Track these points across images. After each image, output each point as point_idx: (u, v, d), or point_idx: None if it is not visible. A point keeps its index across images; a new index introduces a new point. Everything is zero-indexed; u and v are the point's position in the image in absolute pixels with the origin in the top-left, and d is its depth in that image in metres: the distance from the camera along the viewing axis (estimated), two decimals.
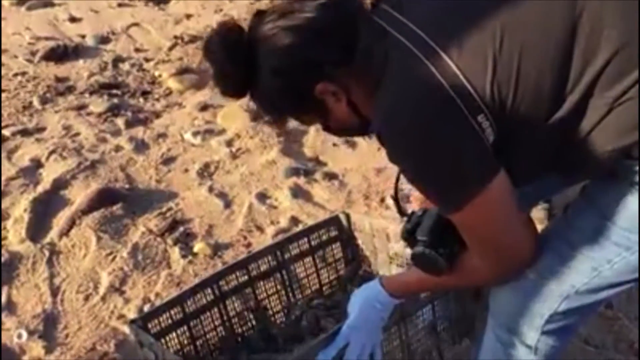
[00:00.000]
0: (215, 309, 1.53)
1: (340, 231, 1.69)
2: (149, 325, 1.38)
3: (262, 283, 1.60)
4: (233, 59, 1.02)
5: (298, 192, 2.29)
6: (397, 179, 1.19)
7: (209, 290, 1.52)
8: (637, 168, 0.98)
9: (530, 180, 1.14)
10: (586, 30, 0.95)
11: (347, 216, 1.70)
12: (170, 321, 1.43)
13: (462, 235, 1.06)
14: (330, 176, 2.42)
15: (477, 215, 1.01)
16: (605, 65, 0.95)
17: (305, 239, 1.66)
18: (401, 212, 1.23)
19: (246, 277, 1.57)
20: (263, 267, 1.60)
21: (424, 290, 1.35)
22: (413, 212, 1.21)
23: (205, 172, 2.41)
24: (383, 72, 0.99)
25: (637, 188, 1.00)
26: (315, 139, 2.67)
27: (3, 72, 3.07)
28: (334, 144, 2.64)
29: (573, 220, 1.11)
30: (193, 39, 3.55)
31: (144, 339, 1.32)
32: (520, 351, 1.17)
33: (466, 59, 0.96)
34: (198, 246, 1.99)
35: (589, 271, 1.07)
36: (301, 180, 2.36)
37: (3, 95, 2.85)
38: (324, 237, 1.68)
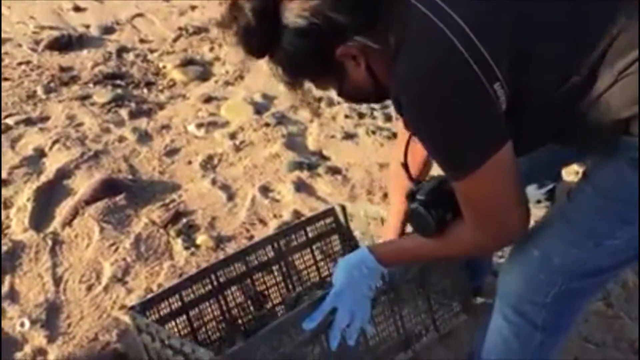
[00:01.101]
0: (214, 299, 1.54)
1: (337, 224, 1.70)
2: (147, 314, 1.39)
3: (261, 274, 1.62)
4: (260, 17, 1.03)
5: (301, 186, 2.29)
6: (407, 145, 1.21)
7: (207, 281, 1.54)
8: (636, 144, 1.01)
9: (533, 149, 1.17)
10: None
11: (343, 208, 1.71)
12: (168, 309, 1.45)
13: (461, 204, 1.09)
14: (334, 170, 2.42)
15: (481, 183, 1.03)
16: (617, 36, 0.99)
17: (302, 231, 1.68)
18: (410, 177, 1.25)
19: (244, 268, 1.59)
20: (261, 259, 1.62)
21: (412, 259, 1.35)
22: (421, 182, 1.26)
23: (209, 164, 2.41)
24: (402, 38, 1.02)
25: (636, 163, 1.03)
26: (319, 133, 2.67)
27: (7, 61, 3.06)
28: (333, 136, 2.63)
29: (573, 200, 1.15)
30: (197, 31, 3.54)
31: (141, 322, 1.33)
32: (527, 330, 1.21)
33: (484, 28, 0.99)
34: (201, 238, 1.99)
35: (591, 248, 1.11)
36: (304, 174, 2.36)
37: (6, 84, 2.85)
38: (322, 229, 1.69)
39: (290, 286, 1.64)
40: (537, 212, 2.16)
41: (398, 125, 1.51)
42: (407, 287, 1.53)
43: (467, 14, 0.98)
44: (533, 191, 2.20)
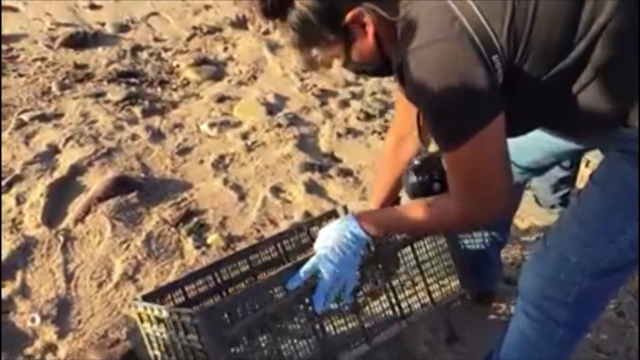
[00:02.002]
0: (218, 296, 1.54)
1: None
2: None
3: (265, 274, 1.62)
4: None
5: (312, 188, 2.29)
6: (418, 116, 1.25)
7: (210, 277, 1.55)
8: (634, 136, 1.05)
9: (524, 131, 1.22)
10: None
11: (345, 209, 1.73)
12: (171, 304, 1.46)
13: (448, 174, 1.14)
14: (345, 172, 2.42)
15: (470, 153, 1.06)
16: (607, 21, 1.02)
17: (306, 232, 1.70)
18: (424, 141, 1.30)
19: (247, 267, 1.60)
20: (265, 258, 1.63)
21: (396, 228, 1.35)
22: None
23: (221, 164, 2.41)
24: (408, 9, 1.05)
25: (633, 158, 1.06)
26: (330, 135, 2.67)
27: (23, 57, 3.08)
28: (345, 138, 2.63)
29: (582, 201, 1.20)
30: (212, 30, 3.55)
31: (140, 307, 1.36)
32: (548, 325, 1.25)
33: (487, 2, 1.02)
34: (211, 237, 2.00)
35: (605, 245, 1.17)
36: (316, 176, 2.36)
37: (22, 80, 2.86)
38: None
39: None
40: (551, 218, 2.16)
41: (398, 99, 1.54)
42: (395, 258, 1.55)
43: None
44: (548, 197, 2.20)
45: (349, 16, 1.06)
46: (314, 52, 1.15)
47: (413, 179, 1.31)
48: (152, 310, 1.37)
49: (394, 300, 1.52)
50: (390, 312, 1.52)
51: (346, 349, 1.41)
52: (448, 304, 1.65)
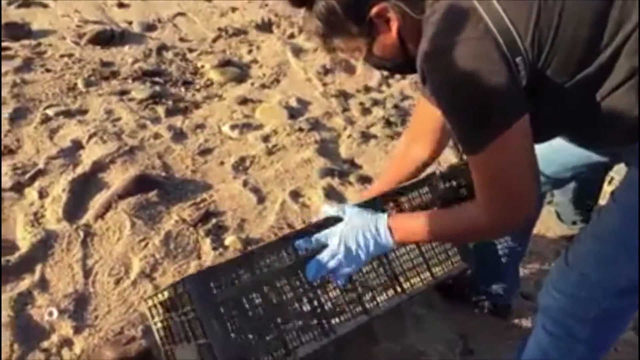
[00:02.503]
0: None
1: None
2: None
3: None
4: None
5: (331, 193, 2.29)
6: None
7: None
8: None
9: (546, 137, 1.21)
10: None
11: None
12: None
13: (474, 180, 1.12)
14: (364, 179, 2.41)
15: (496, 155, 1.06)
16: (633, 30, 1.01)
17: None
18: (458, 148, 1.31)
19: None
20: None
21: (422, 233, 1.30)
22: None
23: (241, 166, 2.42)
24: (434, 8, 1.05)
25: None
26: (351, 141, 2.67)
27: (50, 52, 3.12)
28: (365, 145, 2.63)
29: (602, 217, 1.19)
30: (237, 32, 3.57)
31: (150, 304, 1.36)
32: (568, 341, 1.25)
33: (513, 3, 1.02)
34: (229, 239, 2.00)
35: (625, 262, 1.16)
36: (335, 182, 2.36)
37: (48, 75, 2.90)
38: None
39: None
40: (572, 233, 2.14)
41: (418, 101, 1.55)
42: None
43: None
44: (569, 212, 2.17)
45: (374, 10, 1.08)
46: (337, 42, 1.17)
47: (441, 185, 1.31)
48: (157, 296, 1.38)
49: (390, 273, 1.51)
50: (389, 283, 1.51)
51: (343, 319, 1.41)
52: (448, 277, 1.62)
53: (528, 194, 1.10)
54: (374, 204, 1.46)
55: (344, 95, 3.04)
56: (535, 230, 1.85)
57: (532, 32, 1.01)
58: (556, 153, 1.40)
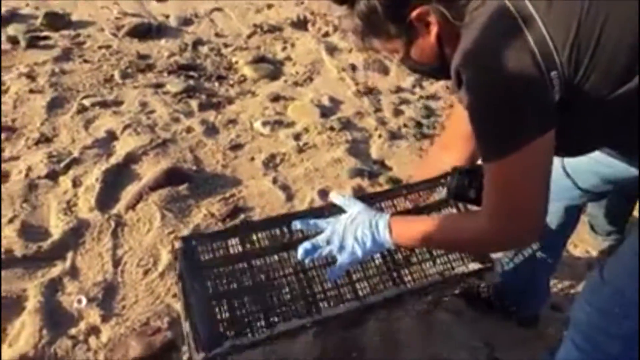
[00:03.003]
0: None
1: None
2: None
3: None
4: None
5: (360, 194, 2.28)
6: None
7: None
8: None
9: (582, 151, 1.20)
10: None
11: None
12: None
13: (485, 187, 1.11)
14: (394, 181, 2.40)
15: (512, 168, 1.04)
16: None
17: None
18: None
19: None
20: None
21: (422, 236, 1.28)
22: None
23: (271, 162, 2.42)
24: (473, 16, 1.05)
25: None
26: (383, 142, 2.66)
27: (89, 43, 3.18)
28: (397, 147, 2.61)
29: (636, 230, 1.15)
30: (272, 29, 3.58)
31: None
32: (597, 359, 1.19)
33: (553, 16, 1.00)
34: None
35: None
36: (365, 182, 2.35)
37: (86, 66, 2.95)
38: None
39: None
40: (605, 245, 2.10)
41: (453, 108, 1.55)
42: None
43: (539, 2, 1.01)
44: (604, 224, 2.13)
45: (415, 13, 1.07)
46: (375, 43, 1.17)
47: (454, 178, 1.32)
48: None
49: (392, 266, 1.49)
50: (387, 274, 1.48)
51: (332, 303, 1.39)
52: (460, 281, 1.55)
53: (535, 213, 1.09)
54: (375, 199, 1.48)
55: (376, 96, 3.03)
56: (568, 240, 1.82)
57: (570, 47, 1.00)
58: (596, 166, 1.38)
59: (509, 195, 1.08)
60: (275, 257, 1.42)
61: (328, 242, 1.33)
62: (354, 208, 1.35)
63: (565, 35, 1.00)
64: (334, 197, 1.41)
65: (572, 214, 1.61)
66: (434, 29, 1.09)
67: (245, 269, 1.39)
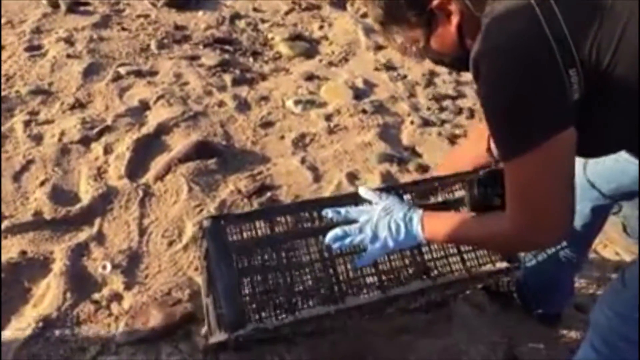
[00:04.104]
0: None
1: None
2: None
3: None
4: None
5: (388, 179, 2.26)
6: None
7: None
8: None
9: (604, 152, 1.18)
10: None
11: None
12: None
13: (506, 189, 1.09)
14: (424, 168, 2.37)
15: (530, 167, 1.02)
16: None
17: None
18: (492, 154, 1.36)
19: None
20: None
21: (449, 233, 1.28)
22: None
23: (301, 142, 2.41)
24: (494, 7, 1.03)
25: None
26: (414, 128, 2.62)
27: (127, 11, 3.19)
28: (428, 134, 2.58)
29: None
30: (310, 7, 3.55)
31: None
32: None
33: (573, 13, 0.98)
34: None
35: None
36: (394, 168, 2.33)
37: (124, 34, 2.97)
38: None
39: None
40: (636, 249, 2.05)
41: None
42: None
43: None
44: (638, 227, 2.08)
45: (436, 1, 1.07)
46: (395, 31, 1.17)
47: (475, 190, 1.28)
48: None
49: (418, 259, 1.48)
50: (414, 267, 1.48)
51: (355, 290, 1.39)
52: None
53: (559, 213, 1.06)
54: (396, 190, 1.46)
55: (412, 81, 2.98)
56: (597, 240, 1.78)
57: (590, 45, 0.97)
58: (620, 165, 1.36)
59: (531, 196, 1.06)
60: (303, 241, 1.41)
61: (360, 231, 1.32)
62: (387, 201, 1.34)
63: (586, 32, 0.98)
64: (364, 193, 1.40)
65: (599, 214, 1.58)
66: (454, 19, 1.08)
67: (272, 253, 1.38)
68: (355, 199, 1.40)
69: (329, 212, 1.36)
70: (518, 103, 1.00)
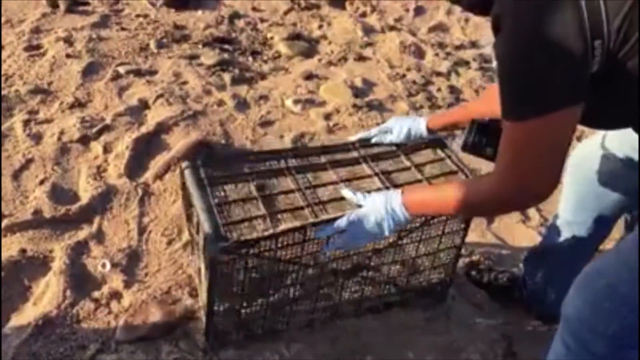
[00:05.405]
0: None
1: None
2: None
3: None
4: None
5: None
6: None
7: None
8: None
9: (610, 127, 1.20)
10: None
11: None
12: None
13: (501, 145, 1.09)
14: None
15: (535, 132, 1.02)
16: None
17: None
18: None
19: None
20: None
21: (436, 207, 1.32)
22: None
23: (300, 141, 2.42)
24: None
25: None
26: None
27: (127, 11, 3.19)
28: None
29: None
30: (309, 7, 3.55)
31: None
32: (583, 357, 1.15)
33: None
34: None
35: None
36: None
37: (123, 33, 2.97)
38: None
39: None
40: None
41: None
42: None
43: None
44: None
45: None
46: None
47: (470, 137, 1.33)
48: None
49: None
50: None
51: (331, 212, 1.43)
52: None
53: (544, 178, 1.07)
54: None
55: (411, 80, 2.99)
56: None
57: (622, 19, 0.96)
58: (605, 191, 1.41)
59: (524, 157, 1.07)
60: (282, 179, 1.51)
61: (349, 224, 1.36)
62: (367, 200, 1.37)
63: (620, 7, 0.96)
64: (345, 193, 1.45)
65: (606, 224, 1.58)
66: None
67: (250, 186, 1.47)
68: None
69: (319, 234, 1.39)
70: (538, 67, 0.98)
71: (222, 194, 1.44)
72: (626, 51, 0.98)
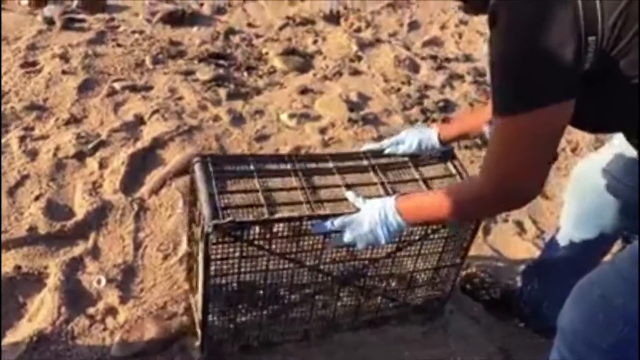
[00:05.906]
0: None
1: None
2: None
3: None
4: None
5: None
6: None
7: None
8: None
9: (602, 128, 1.19)
10: None
11: None
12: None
13: (489, 142, 1.10)
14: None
15: (525, 127, 1.02)
16: None
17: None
18: None
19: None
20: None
21: (429, 212, 1.31)
22: None
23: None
24: None
25: None
26: None
27: (123, 28, 3.20)
28: None
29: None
30: (304, 22, 3.57)
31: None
32: None
33: None
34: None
35: None
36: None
37: (119, 50, 2.98)
38: None
39: None
40: None
41: None
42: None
43: None
44: None
45: None
46: None
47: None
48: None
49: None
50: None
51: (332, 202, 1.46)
52: None
53: (530, 177, 1.08)
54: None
55: (405, 94, 3.00)
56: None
57: (617, 16, 0.96)
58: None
59: (511, 154, 1.07)
60: (288, 179, 1.52)
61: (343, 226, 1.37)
62: (363, 208, 1.37)
63: (616, 5, 0.97)
64: (347, 195, 1.45)
65: (607, 241, 1.59)
66: None
67: (255, 181, 1.49)
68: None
69: (317, 229, 1.39)
70: (533, 60, 0.98)
71: (227, 187, 1.47)
72: (620, 49, 0.98)
